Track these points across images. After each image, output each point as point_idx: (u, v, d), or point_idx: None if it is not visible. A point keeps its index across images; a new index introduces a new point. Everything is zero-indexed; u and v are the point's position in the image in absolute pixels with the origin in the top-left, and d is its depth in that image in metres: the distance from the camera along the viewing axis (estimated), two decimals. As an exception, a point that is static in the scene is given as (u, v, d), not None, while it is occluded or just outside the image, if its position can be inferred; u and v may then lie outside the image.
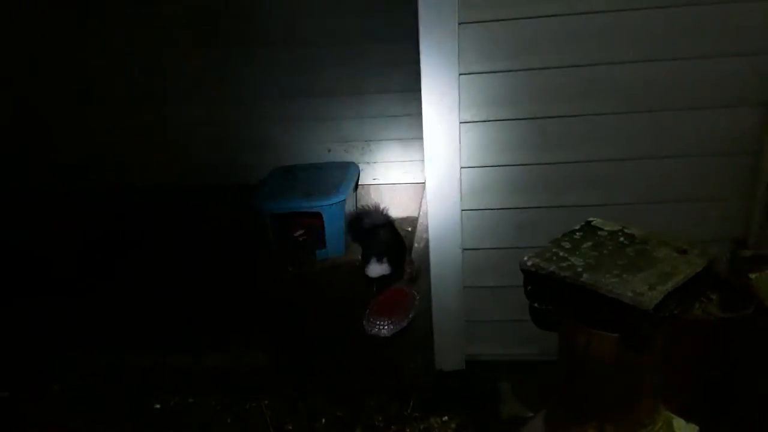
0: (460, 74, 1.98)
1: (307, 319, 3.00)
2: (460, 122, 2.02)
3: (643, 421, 1.69)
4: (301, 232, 3.73)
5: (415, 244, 3.52)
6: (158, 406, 2.58)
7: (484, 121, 2.04)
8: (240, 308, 3.15)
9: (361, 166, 3.97)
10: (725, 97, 1.97)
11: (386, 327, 2.78)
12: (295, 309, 3.11)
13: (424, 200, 3.49)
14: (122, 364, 2.79)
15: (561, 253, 1.66)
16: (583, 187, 2.09)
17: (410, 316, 2.84)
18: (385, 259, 3.15)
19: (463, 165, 2.08)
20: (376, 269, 3.12)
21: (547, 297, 1.68)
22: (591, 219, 1.84)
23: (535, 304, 1.71)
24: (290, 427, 2.39)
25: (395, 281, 3.22)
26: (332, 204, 3.45)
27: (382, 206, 3.57)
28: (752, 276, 1.93)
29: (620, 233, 1.74)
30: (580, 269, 1.57)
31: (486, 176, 2.10)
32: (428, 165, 2.09)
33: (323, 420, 2.41)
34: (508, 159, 2.07)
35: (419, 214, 3.49)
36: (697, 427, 1.78)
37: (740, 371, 1.93)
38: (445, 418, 2.35)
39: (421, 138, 3.70)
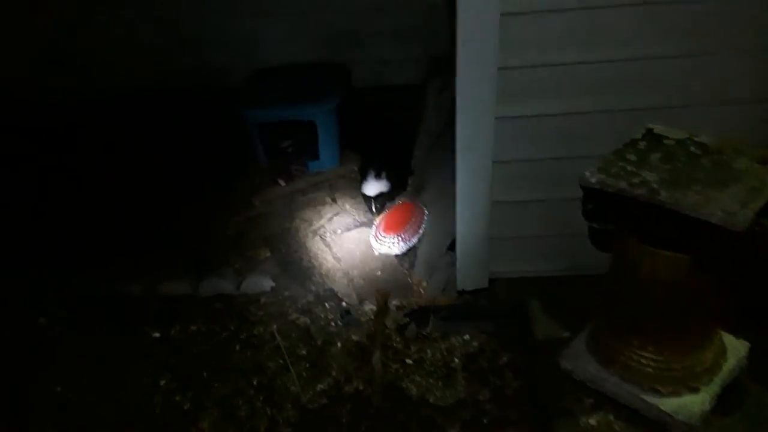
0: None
1: (309, 238, 2.79)
2: (501, 14, 1.73)
3: (701, 342, 1.60)
4: (288, 143, 3.41)
5: (416, 152, 3.28)
6: (157, 335, 2.40)
7: (527, 12, 1.75)
8: (235, 228, 2.91)
9: (351, 66, 3.61)
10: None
11: (397, 244, 2.61)
12: (294, 228, 2.88)
13: (428, 101, 3.20)
14: (112, 293, 2.57)
15: (628, 167, 1.47)
16: (632, 88, 1.86)
17: (420, 232, 2.67)
18: (383, 174, 2.90)
19: (501, 65, 1.81)
20: (374, 186, 2.87)
21: (610, 216, 1.51)
22: (651, 126, 1.64)
23: (595, 225, 1.54)
24: (304, 353, 2.26)
25: (398, 195, 3.01)
26: (326, 111, 3.14)
27: (378, 113, 3.30)
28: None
29: (689, 142, 1.55)
30: (655, 186, 1.39)
31: (525, 78, 1.85)
32: (461, 64, 1.81)
33: (339, 344, 2.28)
34: (552, 58, 1.82)
35: (422, 119, 3.22)
36: (747, 344, 1.71)
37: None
38: (467, 336, 2.25)
39: (420, 29, 3.42)
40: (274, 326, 2.36)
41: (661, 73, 1.82)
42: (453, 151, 2.02)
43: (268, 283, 2.56)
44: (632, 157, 1.51)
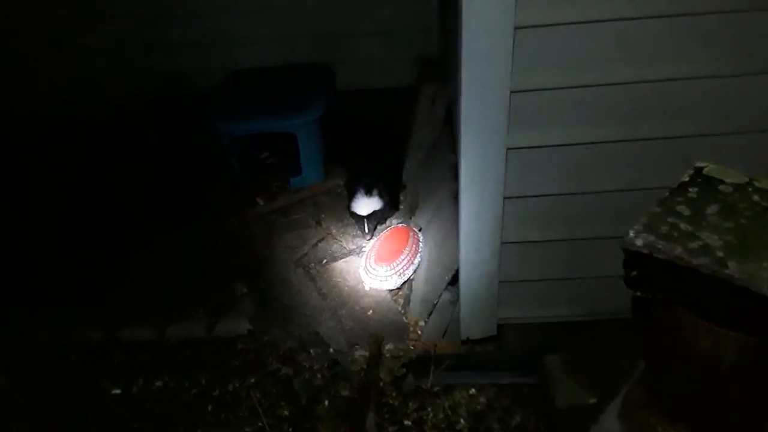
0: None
1: (291, 270, 2.48)
2: (515, 27, 1.42)
3: (763, 429, 1.33)
4: (266, 154, 3.08)
5: (408, 165, 2.98)
6: (118, 391, 2.10)
7: (546, 25, 1.44)
8: (209, 260, 2.58)
9: (335, 68, 3.28)
10: None
11: (390, 277, 2.31)
12: (274, 257, 2.57)
13: (419, 107, 2.90)
14: (66, 339, 2.25)
15: (682, 226, 1.18)
16: (667, 113, 1.57)
17: (416, 262, 2.37)
18: (375, 191, 2.59)
19: (514, 88, 1.50)
20: (365, 205, 2.56)
21: (659, 285, 1.22)
22: (700, 165, 1.34)
23: (638, 293, 1.25)
24: (286, 413, 1.97)
25: (390, 215, 2.71)
26: (308, 122, 2.82)
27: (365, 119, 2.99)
28: None
29: (750, 189, 1.26)
30: (720, 254, 1.10)
31: (543, 102, 1.55)
32: (466, 86, 1.51)
33: (326, 402, 1.99)
34: (574, 79, 1.52)
35: (413, 125, 2.92)
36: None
37: None
38: (473, 391, 1.97)
39: (411, 27, 3.10)
40: (252, 380, 2.07)
41: (703, 95, 1.53)
42: (454, 164, 1.73)
43: (244, 326, 2.26)
44: (684, 211, 1.21)
